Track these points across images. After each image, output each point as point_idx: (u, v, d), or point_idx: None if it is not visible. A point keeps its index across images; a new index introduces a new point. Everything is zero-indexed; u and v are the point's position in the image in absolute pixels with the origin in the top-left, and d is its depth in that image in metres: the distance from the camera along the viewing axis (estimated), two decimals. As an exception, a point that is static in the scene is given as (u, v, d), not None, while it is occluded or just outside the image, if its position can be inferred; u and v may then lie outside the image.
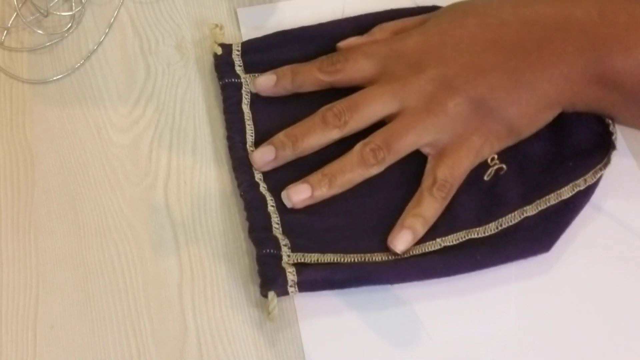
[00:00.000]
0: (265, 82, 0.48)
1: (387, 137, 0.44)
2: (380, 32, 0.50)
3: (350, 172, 0.44)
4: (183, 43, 0.52)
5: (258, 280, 0.42)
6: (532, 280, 0.43)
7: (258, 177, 0.45)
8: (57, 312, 0.41)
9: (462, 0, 0.48)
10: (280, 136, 0.45)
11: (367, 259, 0.42)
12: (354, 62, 0.47)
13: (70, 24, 0.53)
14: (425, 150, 0.45)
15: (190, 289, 0.42)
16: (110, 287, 0.42)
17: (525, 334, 0.41)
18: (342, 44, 0.50)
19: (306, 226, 0.43)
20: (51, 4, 0.53)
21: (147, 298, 0.42)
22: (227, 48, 0.50)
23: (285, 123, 0.47)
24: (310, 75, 0.47)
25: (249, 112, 0.48)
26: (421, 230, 0.43)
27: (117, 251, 0.43)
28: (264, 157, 0.45)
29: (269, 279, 0.40)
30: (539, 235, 0.43)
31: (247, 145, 0.46)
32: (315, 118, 0.45)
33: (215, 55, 0.50)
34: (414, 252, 0.43)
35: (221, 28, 0.51)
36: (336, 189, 0.44)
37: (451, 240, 0.43)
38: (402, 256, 0.43)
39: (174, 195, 0.46)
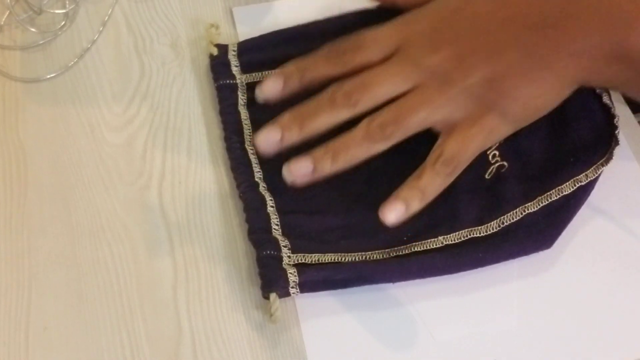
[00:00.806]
0: (273, 87, 0.45)
1: (397, 113, 0.42)
2: None
3: (355, 147, 0.42)
4: (178, 42, 0.52)
5: (254, 281, 0.42)
6: (534, 279, 0.43)
7: (258, 176, 0.45)
8: (50, 313, 0.41)
9: None
10: (286, 117, 0.43)
11: (367, 257, 0.42)
12: (364, 49, 0.44)
13: (63, 22, 0.52)
14: (437, 128, 0.43)
15: (184, 290, 0.42)
16: (104, 288, 0.42)
17: (527, 332, 0.41)
18: None
19: (306, 226, 0.43)
20: (44, 2, 0.53)
21: (141, 299, 0.42)
22: (223, 48, 0.50)
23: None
24: (319, 71, 0.45)
25: (246, 112, 0.48)
26: (416, 205, 0.41)
27: (111, 252, 0.43)
28: (269, 139, 0.43)
29: (270, 280, 0.40)
30: (541, 232, 0.43)
31: (246, 145, 0.46)
32: (323, 97, 0.43)
33: (211, 56, 0.50)
34: (416, 249, 0.42)
35: (217, 28, 0.50)
36: (340, 165, 0.42)
37: (453, 239, 0.43)
38: (403, 253, 0.42)
39: (168, 195, 0.45)
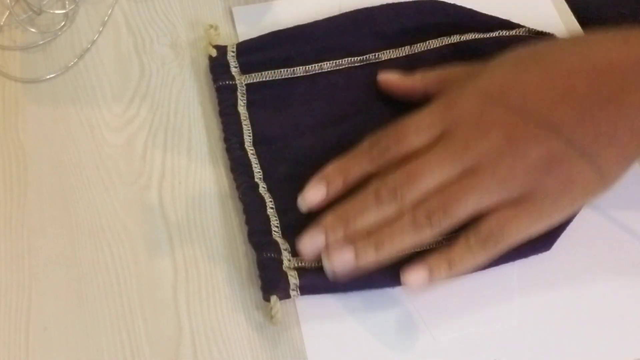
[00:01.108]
0: (316, 194, 0.42)
1: (444, 200, 0.39)
2: (422, 77, 0.47)
3: (401, 237, 0.39)
4: (178, 42, 0.52)
5: (254, 281, 0.42)
6: (534, 279, 0.43)
7: (258, 177, 0.45)
8: (50, 313, 0.41)
9: (515, 50, 0.44)
10: (330, 218, 0.41)
11: None
12: (407, 140, 0.41)
13: (63, 23, 0.52)
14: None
15: (184, 290, 0.42)
16: (104, 288, 0.42)
17: (527, 332, 0.41)
18: (381, 77, 0.48)
19: (306, 228, 0.43)
20: (44, 2, 0.53)
21: (141, 299, 0.42)
22: (221, 50, 0.50)
23: (283, 123, 0.47)
24: (362, 169, 0.42)
25: (246, 112, 0.48)
26: (441, 275, 0.39)
27: (111, 252, 0.43)
28: (313, 242, 0.40)
29: (271, 282, 0.40)
30: (539, 235, 0.43)
31: (245, 145, 0.46)
32: (368, 195, 0.40)
33: (210, 57, 0.50)
34: (416, 250, 0.42)
35: (216, 29, 0.50)
36: (384, 255, 0.39)
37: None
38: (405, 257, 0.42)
39: (168, 195, 0.45)
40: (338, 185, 0.42)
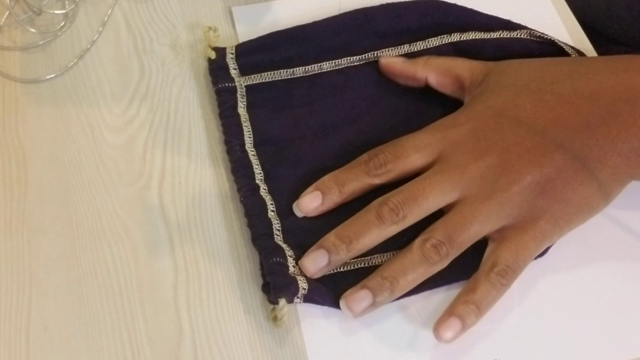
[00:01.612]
0: (311, 203, 0.43)
1: (448, 230, 0.41)
2: (424, 65, 0.48)
3: (412, 272, 0.40)
4: (178, 42, 0.52)
5: (254, 281, 0.42)
6: (534, 278, 0.43)
7: (259, 178, 0.45)
8: (51, 314, 0.41)
9: (507, 69, 0.46)
10: (332, 238, 0.41)
11: (367, 264, 0.42)
12: (406, 158, 0.43)
13: (63, 23, 0.52)
14: (487, 236, 0.42)
15: (185, 290, 0.42)
16: (104, 288, 0.42)
17: (528, 331, 0.41)
18: (383, 61, 0.49)
19: (308, 230, 0.43)
20: (44, 2, 0.53)
21: (142, 299, 0.42)
22: (221, 52, 0.50)
23: (283, 124, 0.47)
24: (359, 182, 0.43)
25: (246, 114, 0.48)
26: (472, 320, 0.40)
27: (112, 252, 0.43)
28: (316, 264, 0.41)
29: (282, 286, 0.40)
30: None
31: (246, 147, 0.46)
32: (369, 214, 0.41)
33: (209, 60, 0.50)
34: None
35: (215, 31, 0.50)
36: (399, 292, 0.40)
37: None
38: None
39: (168, 195, 0.45)
40: (334, 194, 0.43)
